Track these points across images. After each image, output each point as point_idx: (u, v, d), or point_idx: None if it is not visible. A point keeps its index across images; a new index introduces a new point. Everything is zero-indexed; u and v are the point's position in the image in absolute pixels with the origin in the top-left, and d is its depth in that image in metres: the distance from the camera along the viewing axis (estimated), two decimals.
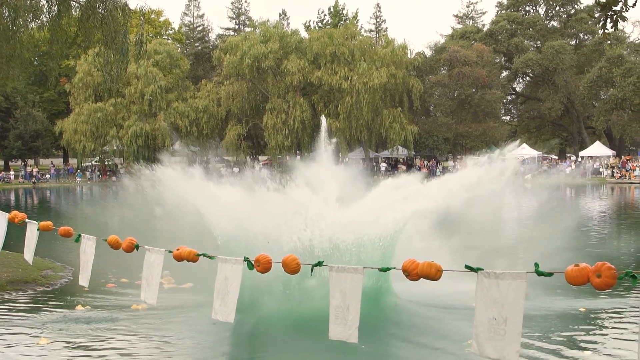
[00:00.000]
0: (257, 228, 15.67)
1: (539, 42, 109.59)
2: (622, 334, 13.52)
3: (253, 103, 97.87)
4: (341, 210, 16.65)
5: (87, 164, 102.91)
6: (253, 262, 7.23)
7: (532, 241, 28.64)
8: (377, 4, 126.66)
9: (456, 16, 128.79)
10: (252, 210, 16.19)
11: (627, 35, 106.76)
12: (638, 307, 4.49)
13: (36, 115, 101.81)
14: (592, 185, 79.07)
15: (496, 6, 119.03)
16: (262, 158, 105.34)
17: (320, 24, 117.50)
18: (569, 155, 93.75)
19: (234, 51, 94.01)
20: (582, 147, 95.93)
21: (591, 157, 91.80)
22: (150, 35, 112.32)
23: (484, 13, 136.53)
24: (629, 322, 14.17)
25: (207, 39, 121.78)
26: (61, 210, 55.95)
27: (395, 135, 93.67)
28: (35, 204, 64.11)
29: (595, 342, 13.01)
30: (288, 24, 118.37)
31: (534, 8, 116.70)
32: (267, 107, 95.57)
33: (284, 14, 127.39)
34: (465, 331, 6.29)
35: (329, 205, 16.69)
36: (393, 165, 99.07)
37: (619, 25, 11.17)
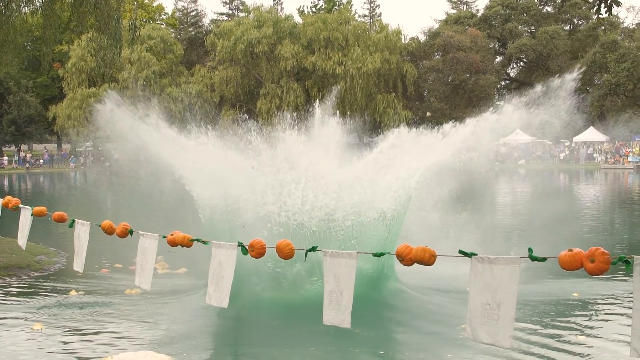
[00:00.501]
0: (242, 188, 15.45)
1: (533, 28, 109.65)
2: (615, 318, 13.56)
3: (247, 88, 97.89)
4: (341, 168, 16.16)
5: (79, 149, 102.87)
6: (247, 247, 7.23)
7: (533, 226, 28.74)
8: None
9: (450, 1, 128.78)
10: (234, 165, 15.95)
11: (621, 20, 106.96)
12: (631, 292, 4.49)
13: (29, 100, 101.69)
14: (585, 170, 79.19)
15: None
16: None
17: (314, 9, 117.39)
18: (562, 140, 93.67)
19: (228, 36, 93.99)
20: (576, 133, 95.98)
21: (585, 142, 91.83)
22: (144, 20, 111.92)
23: None
24: (623, 307, 14.23)
25: (200, 24, 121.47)
26: (55, 196, 55.94)
27: (389, 121, 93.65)
28: (28, 190, 64.05)
29: (588, 327, 13.04)
30: (282, 9, 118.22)
31: None
32: (260, 92, 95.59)
33: None
34: (464, 316, 6.31)
35: (326, 158, 16.23)
36: None
37: (613, 10, 11.17)
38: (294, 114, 19.40)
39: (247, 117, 19.82)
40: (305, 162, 15.64)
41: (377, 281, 15.20)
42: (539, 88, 16.26)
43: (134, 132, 16.31)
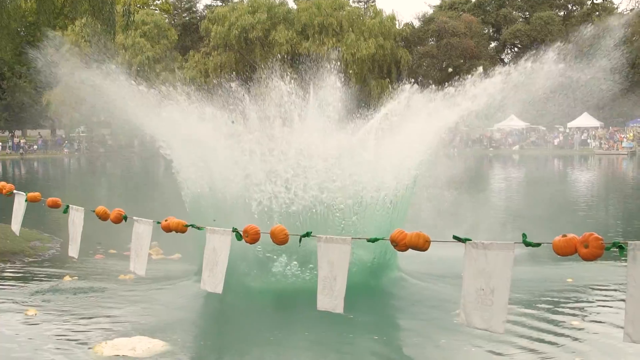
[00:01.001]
0: (225, 150, 14.99)
1: (527, 13, 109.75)
2: (609, 304, 13.59)
3: (241, 74, 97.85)
4: (342, 130, 15.35)
5: (73, 134, 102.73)
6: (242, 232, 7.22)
7: (528, 212, 28.79)
8: None
9: None
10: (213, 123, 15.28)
11: (615, 5, 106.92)
12: (625, 277, 4.44)
13: (23, 86, 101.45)
14: (580, 156, 79.32)
15: None
16: None
17: None
18: (557, 126, 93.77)
19: (222, 22, 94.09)
20: (570, 118, 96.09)
21: (579, 128, 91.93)
22: (138, 5, 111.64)
23: None
24: (616, 292, 14.25)
25: (194, 9, 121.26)
26: (49, 182, 55.90)
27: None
28: (22, 175, 63.99)
29: (583, 312, 13.08)
30: None
31: None
32: (254, 78, 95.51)
33: None
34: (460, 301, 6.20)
35: (324, 115, 15.42)
36: None
37: None
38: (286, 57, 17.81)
39: (234, 75, 18.30)
40: (299, 121, 15.16)
41: (377, 269, 14.89)
42: (589, 28, 14.84)
43: (80, 80, 15.70)
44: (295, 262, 14.31)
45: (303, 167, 14.64)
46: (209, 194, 15.16)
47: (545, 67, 14.34)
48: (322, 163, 14.53)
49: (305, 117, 15.41)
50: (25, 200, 10.50)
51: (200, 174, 15.40)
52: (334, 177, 14.50)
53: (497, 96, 14.41)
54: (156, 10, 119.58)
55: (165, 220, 8.07)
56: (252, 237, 7.09)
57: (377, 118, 15.80)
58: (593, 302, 13.90)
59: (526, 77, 14.42)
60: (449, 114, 14.67)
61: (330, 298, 6.47)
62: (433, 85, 15.58)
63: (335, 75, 16.64)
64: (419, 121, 14.91)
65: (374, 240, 6.54)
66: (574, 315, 12.79)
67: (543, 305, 13.34)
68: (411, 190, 15.67)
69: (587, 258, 5.14)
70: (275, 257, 14.51)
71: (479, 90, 14.53)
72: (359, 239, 7.13)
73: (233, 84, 15.50)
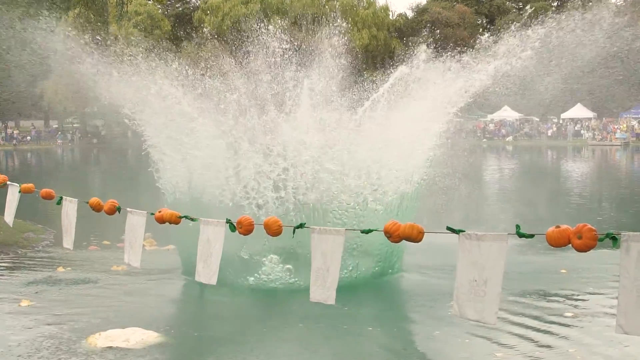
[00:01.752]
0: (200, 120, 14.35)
1: (520, 4, 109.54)
2: (602, 295, 13.58)
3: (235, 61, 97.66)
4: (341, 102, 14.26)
5: (66, 125, 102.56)
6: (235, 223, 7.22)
7: (521, 202, 28.81)
8: None
9: None
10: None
11: None
12: (619, 267, 4.44)
13: (16, 76, 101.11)
14: (573, 147, 79.37)
15: None
16: None
17: None
18: (550, 117, 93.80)
19: (215, 12, 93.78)
20: (564, 109, 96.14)
21: (572, 119, 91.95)
22: None
23: None
24: (610, 282, 14.24)
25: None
26: (42, 173, 55.82)
27: None
28: (16, 166, 63.89)
29: (576, 303, 13.07)
30: None
31: None
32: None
33: None
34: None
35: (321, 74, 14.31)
36: None
37: None
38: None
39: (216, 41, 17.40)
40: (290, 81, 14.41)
41: (380, 274, 14.59)
42: None
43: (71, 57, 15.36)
44: (289, 266, 14.16)
45: (296, 141, 14.17)
46: (186, 175, 14.77)
47: (607, 20, 13.24)
48: (318, 136, 13.93)
49: (300, 79, 14.90)
50: (19, 192, 10.48)
51: (176, 150, 14.82)
52: (332, 155, 13.95)
53: (543, 53, 13.54)
54: (149, 0, 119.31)
55: (159, 212, 8.07)
56: (245, 228, 7.08)
57: (388, 84, 14.97)
58: (587, 293, 13.88)
59: (582, 31, 13.39)
60: (478, 77, 13.80)
61: (323, 289, 6.47)
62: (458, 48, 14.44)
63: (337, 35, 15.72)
64: (438, 88, 14.10)
65: (367, 232, 6.53)
66: (567, 306, 12.78)
67: (537, 296, 13.34)
68: (423, 174, 14.90)
69: (581, 249, 5.15)
70: (265, 260, 14.32)
71: (516, 42, 13.43)
72: (353, 230, 7.12)
73: (206, 29, 14.74)
